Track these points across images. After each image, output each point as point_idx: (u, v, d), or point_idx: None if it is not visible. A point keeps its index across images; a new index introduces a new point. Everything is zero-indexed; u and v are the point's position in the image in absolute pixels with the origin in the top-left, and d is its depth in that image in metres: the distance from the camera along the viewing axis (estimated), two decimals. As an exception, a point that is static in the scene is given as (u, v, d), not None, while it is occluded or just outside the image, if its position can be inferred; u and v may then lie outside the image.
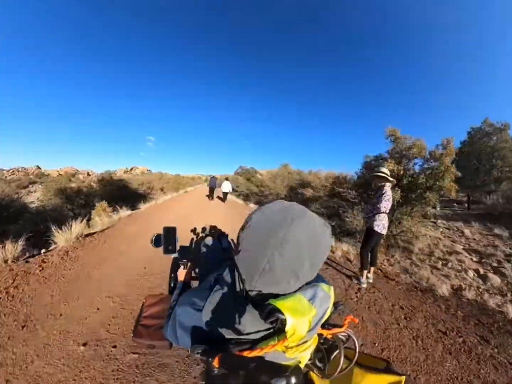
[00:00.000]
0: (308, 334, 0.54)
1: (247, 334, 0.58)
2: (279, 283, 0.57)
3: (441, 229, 7.77)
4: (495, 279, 4.91)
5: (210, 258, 1.00)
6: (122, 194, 16.74)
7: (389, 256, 6.68)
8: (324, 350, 0.66)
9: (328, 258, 4.63)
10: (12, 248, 3.96)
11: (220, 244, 1.36)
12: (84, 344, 2.21)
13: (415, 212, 7.29)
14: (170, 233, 1.25)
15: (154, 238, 1.27)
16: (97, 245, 5.06)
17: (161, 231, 1.28)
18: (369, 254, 3.79)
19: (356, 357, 0.64)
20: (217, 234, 1.44)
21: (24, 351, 2.11)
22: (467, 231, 7.29)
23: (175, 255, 1.25)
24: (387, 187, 3.53)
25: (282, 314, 0.51)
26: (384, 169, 3.73)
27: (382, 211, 3.47)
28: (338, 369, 0.60)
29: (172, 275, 1.22)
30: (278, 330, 0.56)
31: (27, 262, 3.87)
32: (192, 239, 1.55)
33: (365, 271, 3.75)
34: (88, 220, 7.34)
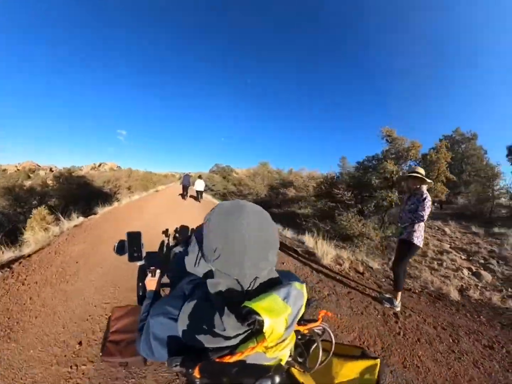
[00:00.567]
0: (286, 332, 0.57)
1: (228, 339, 0.57)
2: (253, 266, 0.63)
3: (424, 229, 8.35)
4: (487, 276, 5.38)
5: (182, 263, 0.89)
6: (82, 193, 15.03)
7: (387, 260, 6.89)
8: (303, 345, 0.70)
9: (338, 273, 4.34)
10: None
11: None
12: None
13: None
14: (134, 239, 1.18)
15: (117, 245, 1.20)
16: (9, 289, 3.10)
17: (124, 238, 1.19)
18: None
19: (333, 348, 0.70)
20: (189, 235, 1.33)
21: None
22: (447, 230, 7.97)
23: (142, 262, 1.19)
24: (425, 190, 3.20)
25: (259, 315, 0.51)
26: (420, 169, 3.36)
27: (424, 220, 3.12)
28: (318, 362, 0.66)
29: (140, 284, 1.16)
30: (256, 332, 0.57)
31: None
32: (163, 242, 1.46)
33: (400, 293, 3.33)
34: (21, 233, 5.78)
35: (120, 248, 1.19)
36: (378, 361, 0.73)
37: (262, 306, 0.53)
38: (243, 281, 0.63)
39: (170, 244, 1.51)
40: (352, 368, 0.74)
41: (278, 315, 0.54)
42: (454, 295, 4.21)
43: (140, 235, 1.19)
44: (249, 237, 0.62)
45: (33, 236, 5.33)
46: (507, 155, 12.85)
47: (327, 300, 3.12)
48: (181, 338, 0.61)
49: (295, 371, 0.71)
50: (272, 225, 0.70)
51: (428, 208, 3.11)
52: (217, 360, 0.55)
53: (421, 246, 3.20)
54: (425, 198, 3.10)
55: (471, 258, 6.44)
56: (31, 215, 7.06)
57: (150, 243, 1.16)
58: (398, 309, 3.26)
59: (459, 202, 10.79)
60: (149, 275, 1.08)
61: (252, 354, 0.54)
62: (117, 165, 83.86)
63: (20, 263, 3.87)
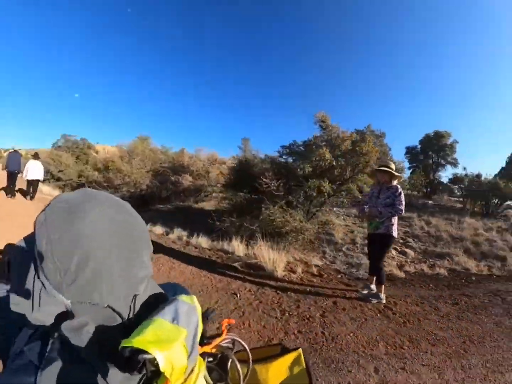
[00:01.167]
0: (190, 360, 0.46)
1: None
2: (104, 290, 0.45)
3: (342, 217, 8.56)
4: (411, 252, 6.18)
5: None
6: None
7: (321, 253, 6.35)
8: (217, 367, 0.61)
9: (300, 283, 3.98)
10: None
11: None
12: None
13: (329, 203, 7.41)
14: None
15: None
16: None
17: None
18: (371, 262, 3.70)
19: (250, 356, 0.67)
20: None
21: None
22: None
23: None
24: (397, 184, 3.47)
25: (147, 352, 0.40)
26: (392, 164, 3.55)
27: (402, 213, 3.33)
28: (241, 377, 0.61)
29: None
30: (153, 375, 0.43)
31: None
32: None
33: (383, 286, 3.50)
34: None
35: None
36: (300, 350, 0.75)
37: (146, 339, 0.40)
38: (119, 307, 0.47)
39: None
40: (279, 368, 0.73)
41: (171, 344, 0.42)
42: (398, 273, 4.85)
43: None
44: (111, 240, 0.47)
45: None
46: (405, 154, 17.89)
47: (329, 322, 2.77)
48: None
49: None
50: (138, 218, 0.55)
51: (403, 201, 3.32)
52: None
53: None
54: (400, 193, 3.31)
55: None
56: None
57: None
58: (384, 301, 3.43)
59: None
60: None
61: None
62: None
63: None
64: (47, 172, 12.13)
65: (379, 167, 3.59)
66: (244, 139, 12.37)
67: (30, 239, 0.49)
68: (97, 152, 18.70)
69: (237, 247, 5.73)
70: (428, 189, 15.83)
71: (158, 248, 5.39)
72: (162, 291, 0.57)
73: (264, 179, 6.88)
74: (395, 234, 3.38)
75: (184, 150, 12.12)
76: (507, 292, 4.08)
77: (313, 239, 6.86)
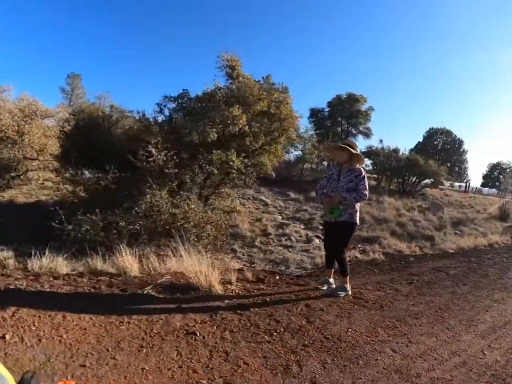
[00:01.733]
0: None
1: None
2: None
3: (239, 200, 7.03)
4: None
5: None
6: None
7: (231, 253, 5.02)
8: None
9: (243, 296, 3.32)
10: None
11: None
12: None
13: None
14: None
15: None
16: None
17: None
18: (329, 254, 3.51)
19: None
20: None
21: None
22: (267, 200, 7.25)
23: None
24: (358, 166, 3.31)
25: None
26: (353, 143, 3.42)
27: (367, 197, 3.26)
28: None
29: None
30: None
31: None
32: None
33: (348, 276, 3.41)
34: None
35: None
36: None
37: None
38: None
39: None
40: None
41: None
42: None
43: None
44: None
45: None
46: (309, 117, 14.54)
47: (321, 326, 2.63)
48: None
49: None
50: None
51: (367, 185, 3.21)
52: None
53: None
54: (364, 176, 3.17)
55: (309, 226, 6.04)
56: None
57: None
58: (350, 292, 3.35)
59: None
60: None
61: None
62: None
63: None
64: None
65: (340, 144, 3.47)
66: (73, 76, 8.47)
67: None
68: None
69: (127, 262, 3.68)
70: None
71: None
72: None
73: (150, 149, 4.28)
74: (357, 221, 3.28)
75: None
76: (447, 267, 4.53)
77: (220, 235, 5.02)
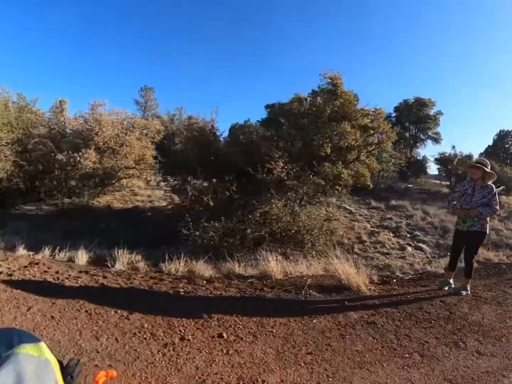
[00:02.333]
0: None
1: None
2: None
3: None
4: (425, 247, 5.99)
5: None
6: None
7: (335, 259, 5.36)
8: None
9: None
10: None
11: None
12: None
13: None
14: None
15: None
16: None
17: None
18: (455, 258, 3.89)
19: None
20: None
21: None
22: (349, 207, 7.55)
23: None
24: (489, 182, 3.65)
25: None
26: (487, 162, 3.73)
27: (496, 213, 3.87)
28: None
29: None
30: None
31: None
32: None
33: (470, 279, 3.81)
34: None
35: None
36: None
37: None
38: None
39: None
40: None
41: None
42: (434, 269, 4.82)
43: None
44: None
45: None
46: None
47: (468, 330, 2.84)
48: None
49: None
50: None
51: (498, 201, 3.57)
52: None
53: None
54: (495, 193, 3.51)
55: (397, 234, 6.31)
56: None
57: None
58: (470, 292, 3.70)
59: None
60: None
61: None
62: None
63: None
64: None
65: (474, 163, 3.84)
66: (146, 89, 9.04)
67: None
68: None
69: (272, 266, 4.05)
70: (406, 170, 12.40)
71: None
72: None
73: (272, 161, 4.73)
74: (488, 231, 3.62)
75: (64, 105, 7.00)
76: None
77: (328, 241, 5.41)
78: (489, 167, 3.71)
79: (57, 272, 3.83)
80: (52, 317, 2.56)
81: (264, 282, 3.99)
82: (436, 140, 14.97)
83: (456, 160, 11.37)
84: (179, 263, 4.24)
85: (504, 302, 3.53)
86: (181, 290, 3.53)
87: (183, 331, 2.49)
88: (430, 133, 14.80)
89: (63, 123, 6.41)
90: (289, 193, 5.05)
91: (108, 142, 6.59)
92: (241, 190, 5.45)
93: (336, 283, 3.88)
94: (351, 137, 5.09)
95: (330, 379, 2.00)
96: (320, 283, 3.95)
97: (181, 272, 4.22)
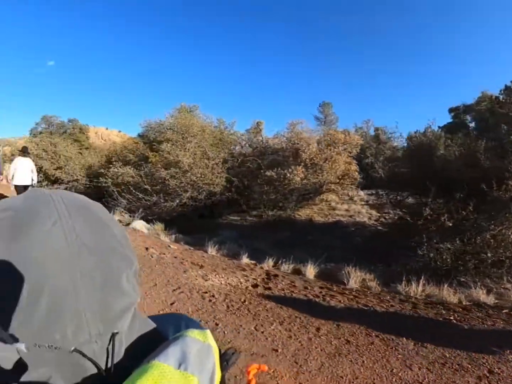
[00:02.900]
0: None
1: None
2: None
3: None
4: None
5: None
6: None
7: None
8: None
9: None
10: None
11: None
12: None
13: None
14: None
15: None
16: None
17: None
18: None
19: None
20: None
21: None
22: None
23: None
24: None
25: None
26: None
27: None
28: None
29: None
30: None
31: None
32: None
33: None
34: None
35: None
36: None
37: None
38: (91, 351, 0.35)
39: None
40: None
41: None
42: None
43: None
44: (72, 261, 0.35)
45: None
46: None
47: None
48: None
49: None
50: (113, 227, 0.40)
51: None
52: None
53: None
54: None
55: None
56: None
57: None
58: None
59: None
60: None
61: None
62: None
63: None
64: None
65: None
66: (325, 104, 9.26)
67: None
68: (87, 138, 13.73)
69: None
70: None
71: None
72: (154, 326, 0.44)
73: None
74: None
75: (261, 126, 8.18)
76: None
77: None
78: None
79: (305, 288, 4.34)
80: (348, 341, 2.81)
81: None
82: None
83: None
84: (418, 285, 4.27)
85: None
86: (451, 318, 3.53)
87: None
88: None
89: (262, 142, 7.48)
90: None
91: (314, 158, 7.17)
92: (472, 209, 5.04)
93: None
94: None
95: None
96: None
97: (419, 295, 4.23)
